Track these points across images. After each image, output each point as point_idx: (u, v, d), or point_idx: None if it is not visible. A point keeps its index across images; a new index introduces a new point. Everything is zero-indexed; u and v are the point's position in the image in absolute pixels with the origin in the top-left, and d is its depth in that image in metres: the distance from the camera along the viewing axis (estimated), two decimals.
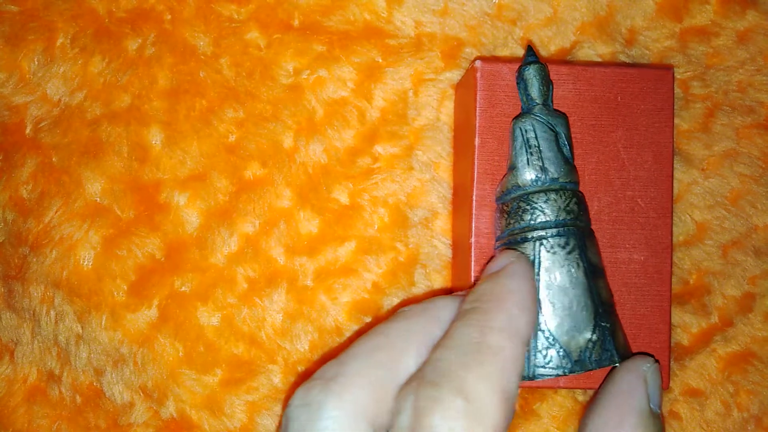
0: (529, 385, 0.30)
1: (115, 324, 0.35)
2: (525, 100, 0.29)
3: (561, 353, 0.27)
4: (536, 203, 0.28)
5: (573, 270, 0.27)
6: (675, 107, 0.32)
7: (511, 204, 0.28)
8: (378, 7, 0.36)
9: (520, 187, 0.28)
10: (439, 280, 0.35)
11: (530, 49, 0.30)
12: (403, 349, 0.24)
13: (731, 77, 0.36)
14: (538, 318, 0.27)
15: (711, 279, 0.35)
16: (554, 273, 0.27)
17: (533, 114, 0.29)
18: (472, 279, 0.30)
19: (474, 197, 0.30)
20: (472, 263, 0.30)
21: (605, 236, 0.31)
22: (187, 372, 0.34)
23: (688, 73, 0.36)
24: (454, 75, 0.35)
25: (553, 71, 0.30)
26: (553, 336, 0.27)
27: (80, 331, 0.35)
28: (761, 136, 0.36)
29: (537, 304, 0.27)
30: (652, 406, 0.27)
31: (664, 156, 0.31)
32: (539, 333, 0.27)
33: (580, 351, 0.27)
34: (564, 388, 0.31)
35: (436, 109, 0.35)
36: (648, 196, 0.31)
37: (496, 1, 0.36)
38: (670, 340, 0.31)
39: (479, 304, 0.24)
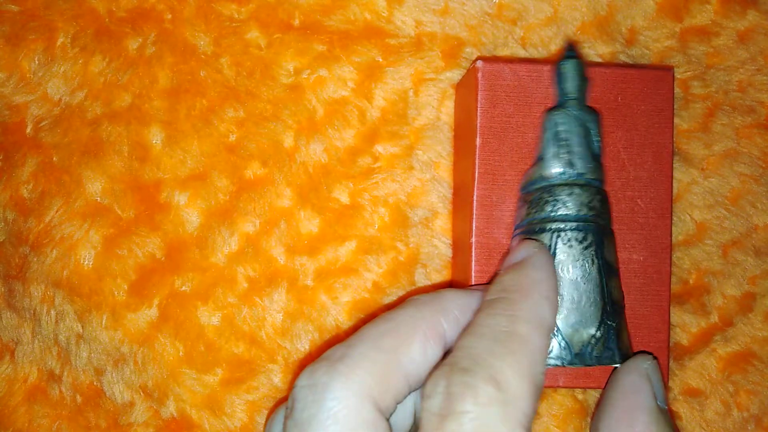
0: None
1: (116, 323, 0.35)
2: (560, 93, 0.29)
3: (562, 344, 0.27)
4: (559, 196, 0.28)
5: (587, 265, 0.27)
6: (675, 107, 0.32)
7: (534, 194, 0.28)
8: (378, 7, 0.36)
9: (545, 178, 0.28)
10: (440, 280, 0.35)
11: (571, 45, 0.30)
12: (409, 337, 0.24)
13: (731, 77, 0.36)
14: None
15: (711, 279, 0.35)
16: (567, 266, 0.27)
17: (566, 108, 0.29)
18: (473, 279, 0.30)
19: (475, 197, 0.30)
20: (473, 263, 0.30)
21: None
22: (187, 371, 0.34)
23: (688, 73, 0.36)
24: (455, 75, 0.35)
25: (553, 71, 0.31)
26: (557, 327, 0.27)
27: (81, 330, 0.35)
28: (761, 135, 0.36)
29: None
30: (659, 402, 0.27)
31: (663, 156, 0.31)
32: None
33: (582, 345, 0.27)
34: (564, 387, 0.31)
35: (436, 108, 0.35)
36: (648, 196, 0.31)
37: (497, 1, 0.36)
38: (669, 339, 0.31)
39: (506, 294, 0.25)
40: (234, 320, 0.35)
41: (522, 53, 0.35)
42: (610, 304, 0.28)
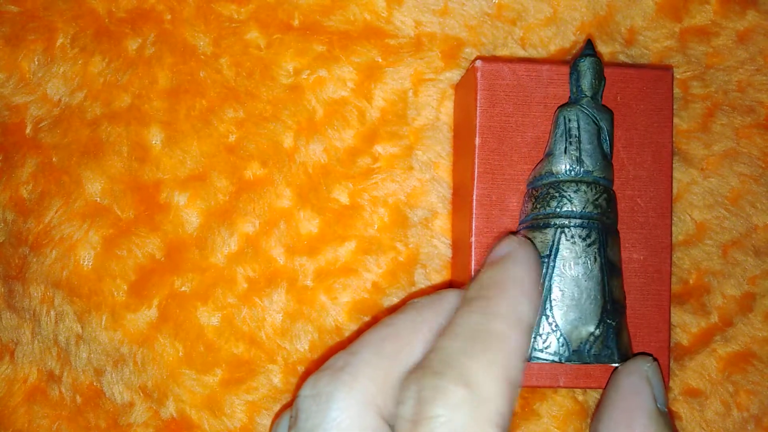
0: (530, 384, 0.30)
1: (115, 324, 0.35)
2: (574, 90, 0.29)
3: (561, 341, 0.27)
4: (566, 192, 0.28)
5: (589, 263, 0.27)
6: (674, 107, 0.32)
7: (541, 189, 0.28)
8: (378, 7, 0.36)
9: (553, 174, 0.28)
10: (439, 280, 0.35)
11: (589, 43, 0.30)
12: (411, 340, 0.24)
13: (731, 77, 0.36)
14: (545, 303, 0.27)
15: (711, 279, 0.35)
16: (570, 262, 0.27)
17: (580, 105, 0.29)
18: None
19: (474, 197, 0.30)
20: (473, 263, 0.30)
21: None
22: (187, 372, 0.34)
23: (688, 73, 0.36)
24: (454, 75, 0.35)
25: (553, 71, 0.31)
26: (556, 323, 0.27)
27: (80, 331, 0.35)
28: (761, 135, 0.36)
29: (544, 290, 0.27)
30: (658, 405, 0.27)
31: (663, 156, 0.31)
32: (543, 318, 0.27)
33: (581, 342, 0.27)
34: (564, 387, 0.31)
35: (436, 109, 0.35)
36: (647, 195, 0.31)
37: (496, 1, 0.36)
38: (670, 339, 0.31)
39: (483, 292, 0.24)
40: (234, 321, 0.35)
41: (521, 53, 0.36)
42: (611, 303, 0.28)
